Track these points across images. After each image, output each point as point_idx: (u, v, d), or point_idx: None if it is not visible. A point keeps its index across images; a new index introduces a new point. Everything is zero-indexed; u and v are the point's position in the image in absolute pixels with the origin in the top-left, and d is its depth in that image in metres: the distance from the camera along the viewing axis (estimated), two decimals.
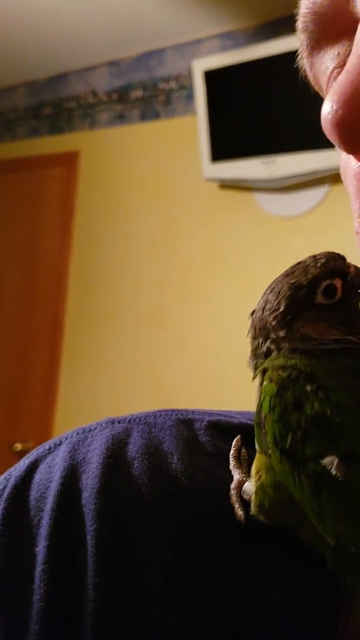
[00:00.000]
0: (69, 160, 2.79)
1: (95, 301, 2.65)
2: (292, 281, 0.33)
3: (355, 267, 0.34)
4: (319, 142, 1.87)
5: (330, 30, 0.34)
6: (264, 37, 2.13)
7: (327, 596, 0.31)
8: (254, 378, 0.34)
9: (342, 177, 0.37)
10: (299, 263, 0.34)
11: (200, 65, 2.16)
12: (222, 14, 2.21)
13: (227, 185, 2.27)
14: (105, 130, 2.71)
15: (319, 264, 0.34)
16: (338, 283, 0.33)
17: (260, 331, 0.35)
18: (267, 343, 0.34)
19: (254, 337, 0.35)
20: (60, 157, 2.83)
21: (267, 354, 0.34)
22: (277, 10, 2.09)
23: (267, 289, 0.35)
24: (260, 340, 0.34)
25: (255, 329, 0.35)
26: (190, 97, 2.37)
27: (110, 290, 2.60)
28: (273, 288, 0.34)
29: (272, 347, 0.34)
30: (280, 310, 0.33)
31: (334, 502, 0.29)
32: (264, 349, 0.34)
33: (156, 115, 2.54)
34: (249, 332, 0.36)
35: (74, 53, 2.65)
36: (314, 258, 0.34)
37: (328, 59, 0.34)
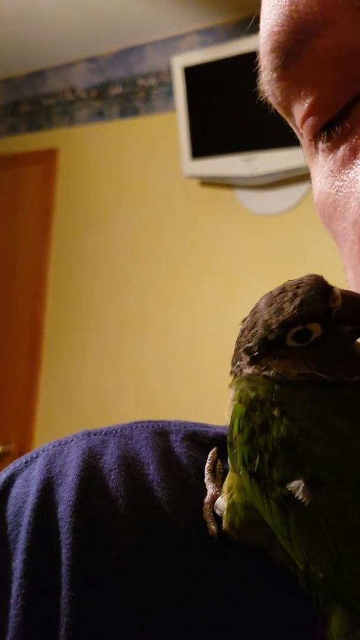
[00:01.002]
0: (47, 158, 2.76)
1: (75, 301, 2.62)
2: (266, 318, 0.31)
3: (343, 295, 0.31)
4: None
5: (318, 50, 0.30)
6: (244, 33, 2.12)
7: (299, 613, 0.32)
8: (230, 385, 0.34)
9: (323, 214, 0.34)
10: (283, 289, 0.32)
11: (180, 62, 2.14)
12: (202, 9, 2.19)
13: (208, 182, 2.25)
14: (84, 127, 2.68)
15: (293, 306, 0.30)
16: (314, 326, 0.31)
17: (235, 352, 0.34)
18: (236, 367, 0.33)
19: (234, 352, 0.34)
20: (39, 154, 2.80)
21: (236, 375, 0.34)
22: (257, 6, 2.07)
23: (254, 308, 0.33)
24: (234, 361, 0.34)
25: (236, 343, 0.34)
26: (170, 93, 2.35)
27: (91, 289, 2.58)
28: (255, 312, 0.33)
29: (238, 372, 0.33)
30: (251, 345, 0.32)
31: (301, 527, 0.29)
32: (234, 369, 0.34)
33: (136, 112, 2.51)
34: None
35: (52, 49, 2.62)
36: (295, 290, 0.31)
37: (307, 90, 0.31)
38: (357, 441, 0.29)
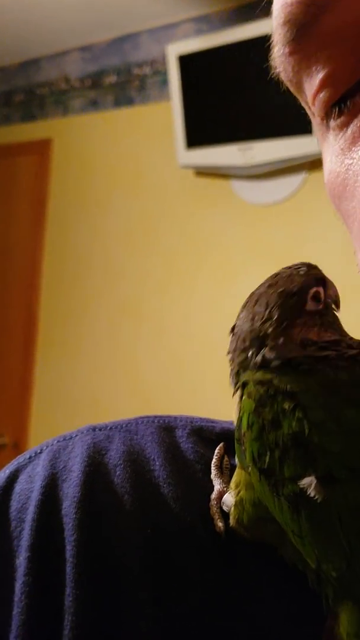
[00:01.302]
0: (41, 148, 2.74)
1: (70, 292, 2.61)
2: (280, 290, 0.33)
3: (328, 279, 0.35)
4: (297, 128, 1.85)
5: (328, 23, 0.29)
6: (240, 21, 2.10)
7: (309, 611, 0.31)
8: (234, 394, 0.34)
9: (332, 194, 0.33)
10: (277, 274, 0.34)
11: (175, 50, 2.12)
12: None
13: (203, 172, 2.24)
14: (78, 117, 2.66)
15: (301, 272, 0.34)
16: (321, 290, 0.34)
17: (252, 341, 0.33)
18: (264, 351, 0.32)
19: (243, 350, 0.33)
20: (33, 145, 2.78)
21: (263, 363, 0.32)
22: None
23: (250, 302, 0.34)
24: (252, 351, 0.33)
25: (244, 341, 0.33)
26: (165, 82, 2.33)
27: (85, 280, 2.57)
28: (257, 300, 0.33)
29: (271, 355, 0.32)
30: (275, 318, 0.32)
31: (313, 524, 0.28)
32: (259, 358, 0.32)
33: (130, 101, 2.49)
34: (229, 350, 0.34)
35: (46, 38, 2.59)
36: (293, 268, 0.34)
37: (319, 65, 0.31)
38: None
